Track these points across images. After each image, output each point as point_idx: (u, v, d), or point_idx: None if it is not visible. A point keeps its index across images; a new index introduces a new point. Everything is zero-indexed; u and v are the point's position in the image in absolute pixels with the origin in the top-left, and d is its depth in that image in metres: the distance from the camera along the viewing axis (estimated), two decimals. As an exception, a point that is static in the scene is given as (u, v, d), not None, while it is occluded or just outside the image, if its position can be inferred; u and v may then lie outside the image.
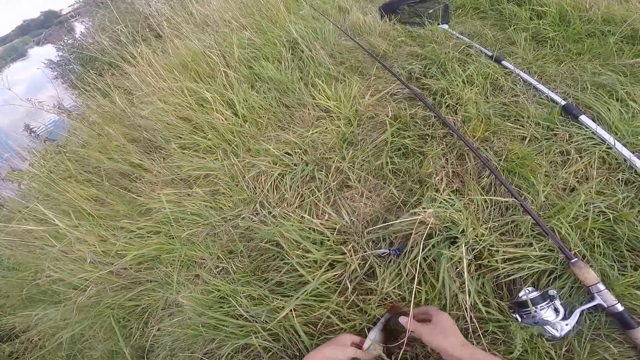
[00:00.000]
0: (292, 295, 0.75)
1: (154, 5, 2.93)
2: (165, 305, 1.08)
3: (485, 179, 0.83)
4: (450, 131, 0.93)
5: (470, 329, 0.60)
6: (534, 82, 1.15)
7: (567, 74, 1.19)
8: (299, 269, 0.76)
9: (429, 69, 1.29)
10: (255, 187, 1.05)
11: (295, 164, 1.04)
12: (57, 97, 2.84)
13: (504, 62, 1.29)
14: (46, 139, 2.64)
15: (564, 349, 0.55)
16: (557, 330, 0.52)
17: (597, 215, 0.70)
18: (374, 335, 0.56)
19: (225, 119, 1.27)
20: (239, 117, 1.29)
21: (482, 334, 0.60)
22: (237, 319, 0.76)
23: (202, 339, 0.85)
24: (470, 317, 0.60)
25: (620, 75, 1.13)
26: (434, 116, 1.01)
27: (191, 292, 0.89)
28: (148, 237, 1.12)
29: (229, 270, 0.89)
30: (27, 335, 1.48)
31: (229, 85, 1.42)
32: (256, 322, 0.74)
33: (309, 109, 1.24)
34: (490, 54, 1.35)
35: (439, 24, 1.63)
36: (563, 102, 1.03)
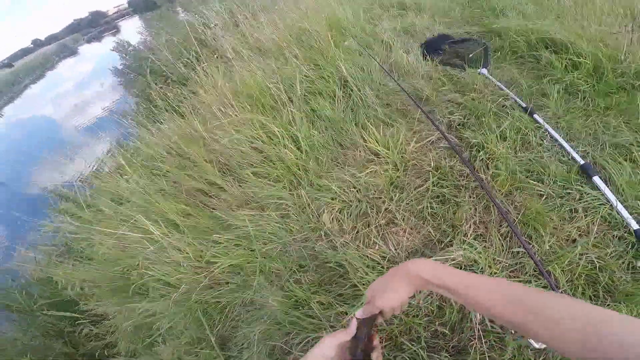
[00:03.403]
0: (352, 304, 1.10)
1: (213, 28, 3.40)
2: (243, 303, 1.47)
3: (505, 228, 1.13)
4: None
5: (476, 337, 0.92)
6: (560, 139, 1.42)
7: (591, 131, 1.44)
8: (358, 286, 1.11)
9: (467, 119, 1.59)
10: (319, 216, 1.41)
11: (350, 201, 1.39)
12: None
13: (535, 116, 1.55)
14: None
15: (541, 358, 0.85)
16: (537, 343, 0.82)
17: (587, 263, 0.98)
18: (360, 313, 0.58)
19: (292, 154, 1.65)
20: (302, 153, 1.67)
21: (484, 342, 0.91)
22: (312, 318, 1.13)
23: (280, 332, 1.22)
24: (478, 329, 0.92)
25: (638, 135, 1.36)
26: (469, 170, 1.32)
27: (272, 295, 1.26)
28: (232, 248, 1.52)
29: (301, 281, 1.26)
30: (112, 321, 1.95)
31: (292, 120, 1.80)
32: (327, 321, 1.10)
33: (360, 151, 1.59)
34: (524, 105, 1.62)
35: (478, 69, 1.91)
36: (582, 162, 1.29)
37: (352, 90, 1.87)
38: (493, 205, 1.17)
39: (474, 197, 1.23)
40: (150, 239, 1.70)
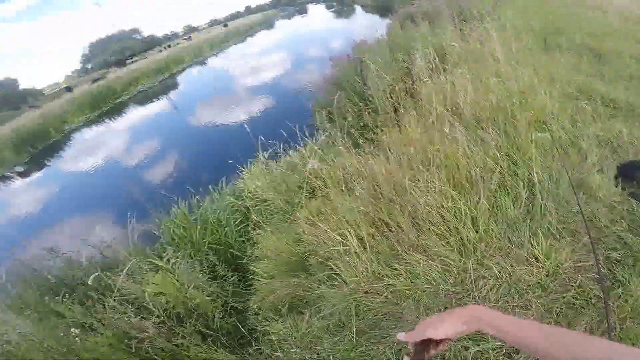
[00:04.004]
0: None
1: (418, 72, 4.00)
2: (386, 313, 2.23)
3: None
4: None
5: None
6: None
7: None
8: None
9: (626, 259, 1.87)
10: (474, 283, 2.02)
11: (500, 284, 1.95)
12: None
13: None
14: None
15: None
16: None
17: None
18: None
19: (468, 231, 2.26)
20: (477, 233, 2.26)
21: None
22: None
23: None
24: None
25: None
26: None
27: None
28: (398, 275, 2.29)
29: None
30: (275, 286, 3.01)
31: (477, 201, 2.38)
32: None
33: (523, 250, 2.08)
34: None
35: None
36: None
37: (534, 196, 2.30)
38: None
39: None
40: (342, 242, 2.60)
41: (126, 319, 2.57)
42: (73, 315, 2.70)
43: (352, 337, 2.06)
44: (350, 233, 2.46)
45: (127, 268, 2.81)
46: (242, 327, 2.78)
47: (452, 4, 7.58)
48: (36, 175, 14.06)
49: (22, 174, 14.75)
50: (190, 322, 2.75)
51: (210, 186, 4.70)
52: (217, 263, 3.28)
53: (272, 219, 3.43)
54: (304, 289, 2.65)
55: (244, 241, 3.69)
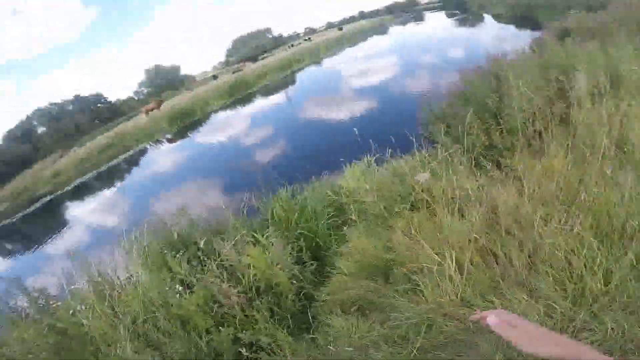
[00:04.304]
0: None
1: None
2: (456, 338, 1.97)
3: None
4: None
5: None
6: None
7: None
8: None
9: None
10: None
11: None
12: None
13: None
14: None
15: None
16: None
17: None
18: None
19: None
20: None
21: None
22: None
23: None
24: None
25: None
26: None
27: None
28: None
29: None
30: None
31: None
32: None
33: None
34: None
35: None
36: None
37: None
38: None
39: None
40: (439, 262, 2.42)
41: (218, 283, 2.88)
42: (180, 272, 3.12)
43: (413, 352, 1.99)
44: (450, 255, 2.30)
45: (235, 239, 3.17)
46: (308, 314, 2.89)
47: (630, 20, 6.09)
48: (179, 143, 17.61)
49: (170, 140, 18.71)
50: (266, 298, 2.98)
51: (313, 177, 5.00)
52: (304, 250, 3.46)
53: (367, 221, 3.43)
54: (379, 294, 2.61)
55: (330, 234, 3.83)
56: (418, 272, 2.44)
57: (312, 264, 3.41)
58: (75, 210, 14.13)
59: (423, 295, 2.28)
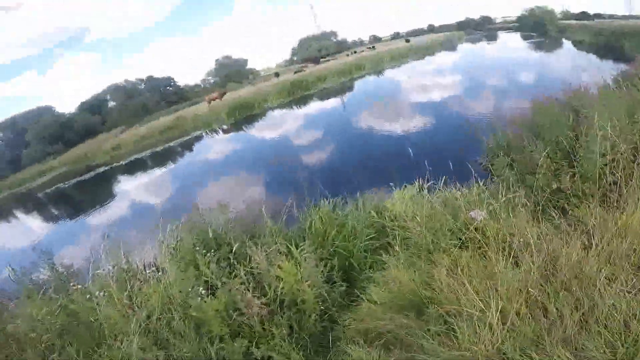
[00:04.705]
0: None
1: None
2: None
3: None
4: None
5: None
6: None
7: None
8: None
9: None
10: None
11: None
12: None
13: None
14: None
15: None
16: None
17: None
18: None
19: None
20: None
21: None
22: None
23: None
24: None
25: None
26: None
27: None
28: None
29: None
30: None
31: None
32: None
33: None
34: None
35: None
36: None
37: None
38: None
39: None
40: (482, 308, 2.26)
41: (243, 290, 2.83)
42: (207, 273, 3.09)
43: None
44: (496, 303, 2.15)
45: (269, 249, 3.14)
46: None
47: None
48: (233, 134, 18.63)
49: (225, 131, 19.82)
50: (288, 314, 2.89)
51: (358, 191, 4.85)
52: (336, 269, 3.33)
53: (408, 250, 3.31)
54: (408, 331, 2.49)
55: (366, 256, 3.68)
56: (456, 315, 2.31)
57: (342, 285, 3.31)
58: (125, 185, 15.12)
59: (457, 341, 2.16)
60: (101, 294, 3.02)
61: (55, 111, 48.93)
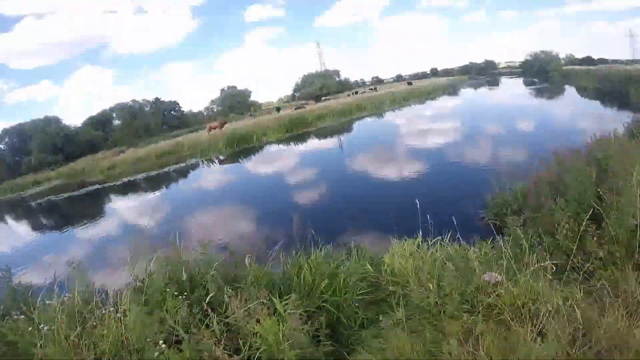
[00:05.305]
0: None
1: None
2: None
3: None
4: None
5: None
6: None
7: None
8: None
9: None
10: None
11: None
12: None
13: None
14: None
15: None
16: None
17: None
18: None
19: None
20: None
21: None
22: None
23: None
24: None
25: None
26: None
27: None
28: None
29: None
30: None
31: None
32: None
33: None
34: None
35: None
36: None
37: None
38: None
39: None
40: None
41: (212, 346, 2.49)
42: (173, 320, 2.76)
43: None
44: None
45: (249, 307, 2.80)
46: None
47: None
48: (229, 166, 18.52)
49: (221, 162, 19.76)
50: None
51: (353, 242, 4.54)
52: (322, 325, 2.92)
53: (410, 313, 2.90)
54: None
55: (356, 311, 3.35)
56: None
57: (328, 345, 2.88)
58: (113, 206, 15.09)
59: None
60: (46, 327, 2.64)
61: (61, 122, 49.71)
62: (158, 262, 3.55)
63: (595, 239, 2.84)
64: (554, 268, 2.64)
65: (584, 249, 2.88)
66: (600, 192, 3.29)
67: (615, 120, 8.31)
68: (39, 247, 10.61)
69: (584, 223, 2.79)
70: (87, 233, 10.81)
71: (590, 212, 2.90)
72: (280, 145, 20.98)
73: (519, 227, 3.07)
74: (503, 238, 3.38)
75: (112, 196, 17.42)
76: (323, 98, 57.28)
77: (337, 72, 69.63)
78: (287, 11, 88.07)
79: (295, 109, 37.52)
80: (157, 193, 15.65)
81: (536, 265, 2.59)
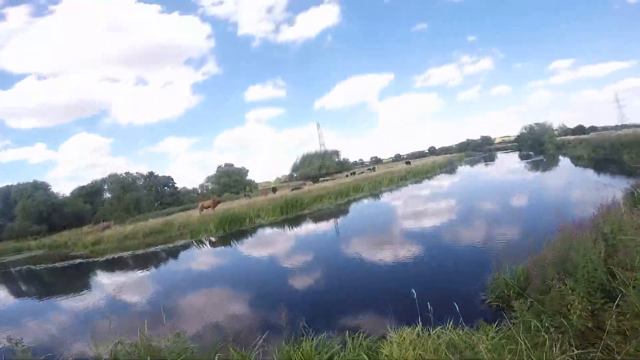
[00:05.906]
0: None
1: None
2: None
3: None
4: None
5: None
6: None
7: None
8: None
9: None
10: None
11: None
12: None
13: None
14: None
15: None
16: None
17: None
18: None
19: None
20: None
21: None
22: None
23: None
24: None
25: None
26: None
27: None
28: None
29: None
30: None
31: None
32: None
33: None
34: None
35: None
36: None
37: None
38: None
39: None
40: None
41: None
42: None
43: None
44: None
45: None
46: None
47: None
48: (219, 248, 17.97)
49: (212, 244, 19.21)
50: None
51: (348, 332, 4.09)
52: None
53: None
54: None
55: None
56: None
57: None
58: (93, 283, 14.49)
59: None
60: None
61: (49, 189, 48.89)
62: (124, 351, 3.34)
63: (614, 317, 2.58)
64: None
65: (602, 327, 2.65)
66: (613, 269, 3.16)
67: (614, 186, 8.47)
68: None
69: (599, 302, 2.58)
70: (64, 305, 10.68)
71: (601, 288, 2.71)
72: (275, 228, 20.64)
73: (526, 311, 2.82)
74: (510, 322, 3.09)
75: (94, 272, 17.00)
76: (321, 178, 58.40)
77: (336, 152, 72.09)
78: (288, 93, 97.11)
79: (292, 190, 38.11)
80: (141, 273, 15.04)
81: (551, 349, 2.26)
